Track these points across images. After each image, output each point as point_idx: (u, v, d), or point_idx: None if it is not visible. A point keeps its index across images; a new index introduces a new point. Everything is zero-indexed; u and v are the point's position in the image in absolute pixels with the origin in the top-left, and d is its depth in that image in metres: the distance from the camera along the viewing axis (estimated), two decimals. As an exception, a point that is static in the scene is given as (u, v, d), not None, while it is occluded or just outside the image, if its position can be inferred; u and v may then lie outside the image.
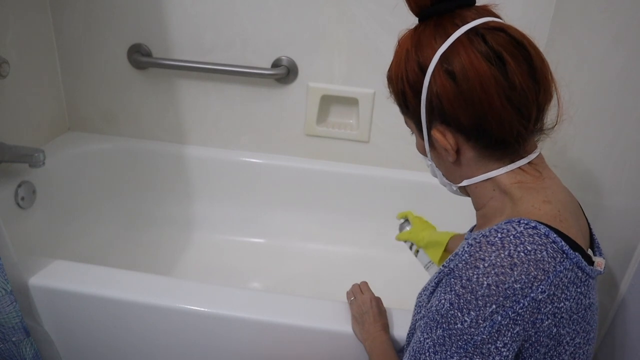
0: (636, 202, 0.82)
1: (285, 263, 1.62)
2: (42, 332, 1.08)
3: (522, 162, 0.65)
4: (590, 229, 0.71)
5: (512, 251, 0.58)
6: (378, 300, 0.98)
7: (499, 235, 0.60)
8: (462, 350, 0.58)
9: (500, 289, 0.57)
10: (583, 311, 0.62)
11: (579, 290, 0.60)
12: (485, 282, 0.57)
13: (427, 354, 0.61)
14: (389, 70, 0.69)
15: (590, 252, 0.66)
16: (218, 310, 0.99)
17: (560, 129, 0.67)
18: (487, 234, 0.60)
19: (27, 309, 1.04)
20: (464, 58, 0.61)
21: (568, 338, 0.61)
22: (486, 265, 0.58)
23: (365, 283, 1.02)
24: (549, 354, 0.61)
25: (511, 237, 0.59)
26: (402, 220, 1.15)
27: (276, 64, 1.49)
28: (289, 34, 1.46)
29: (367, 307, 0.95)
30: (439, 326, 0.60)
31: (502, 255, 0.58)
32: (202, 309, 0.99)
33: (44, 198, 1.44)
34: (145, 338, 1.05)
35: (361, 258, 1.62)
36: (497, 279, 0.57)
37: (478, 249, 0.60)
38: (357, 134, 1.56)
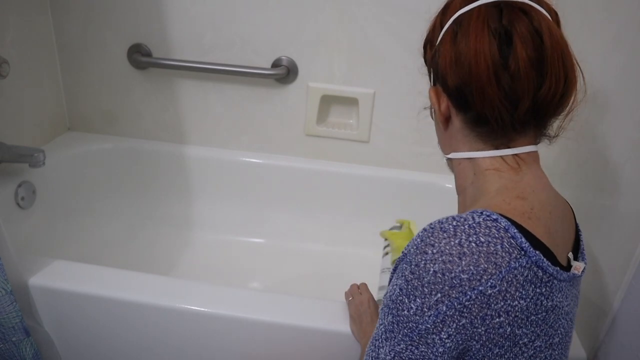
0: (636, 202, 0.82)
1: (285, 263, 1.62)
2: (42, 332, 1.08)
3: (506, 151, 0.64)
4: (578, 235, 0.70)
5: (463, 240, 0.56)
6: (375, 301, 0.98)
7: (454, 222, 0.58)
8: (407, 338, 0.58)
9: (446, 277, 0.55)
10: (544, 313, 0.59)
11: (538, 290, 0.58)
12: (432, 269, 0.56)
13: (380, 340, 0.61)
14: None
15: (571, 255, 0.64)
16: (218, 310, 0.99)
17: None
18: (444, 220, 0.59)
19: (27, 309, 1.04)
20: (472, 23, 0.61)
21: (526, 340, 0.58)
22: (434, 251, 0.57)
23: (364, 284, 1.02)
24: (505, 355, 0.58)
25: (466, 226, 0.57)
26: (398, 225, 1.16)
27: (276, 64, 1.49)
28: (289, 34, 1.46)
29: (364, 307, 0.95)
30: (390, 312, 0.60)
31: (452, 243, 0.56)
32: (202, 309, 0.99)
33: (44, 198, 1.44)
34: (145, 338, 1.05)
35: (360, 258, 1.62)
36: (443, 266, 0.56)
37: (430, 235, 0.58)
38: (357, 134, 1.56)
